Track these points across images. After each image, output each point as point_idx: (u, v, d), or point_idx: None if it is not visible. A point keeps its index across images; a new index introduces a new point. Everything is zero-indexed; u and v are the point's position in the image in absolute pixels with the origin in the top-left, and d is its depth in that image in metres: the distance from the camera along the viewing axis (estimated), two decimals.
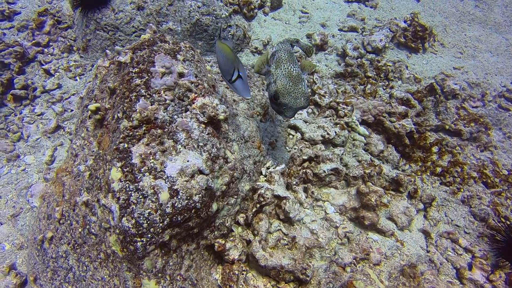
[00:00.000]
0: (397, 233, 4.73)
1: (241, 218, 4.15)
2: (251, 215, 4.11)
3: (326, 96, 6.44)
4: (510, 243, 4.64)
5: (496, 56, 8.37)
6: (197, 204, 3.34)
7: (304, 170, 4.78)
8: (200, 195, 3.37)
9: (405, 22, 8.42)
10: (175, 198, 3.22)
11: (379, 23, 8.64)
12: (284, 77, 3.72)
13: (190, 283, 3.51)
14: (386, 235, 4.66)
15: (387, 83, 7.26)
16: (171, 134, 3.50)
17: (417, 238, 4.85)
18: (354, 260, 3.97)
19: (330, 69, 7.53)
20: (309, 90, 6.45)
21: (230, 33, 7.82)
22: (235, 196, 4.06)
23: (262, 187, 4.22)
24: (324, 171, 4.87)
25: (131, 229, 3.06)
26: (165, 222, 3.16)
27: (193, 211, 3.35)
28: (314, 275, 3.93)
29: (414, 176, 5.53)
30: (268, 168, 4.66)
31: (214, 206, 3.68)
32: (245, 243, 4.00)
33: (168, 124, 3.51)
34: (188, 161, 3.40)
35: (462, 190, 5.51)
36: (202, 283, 3.72)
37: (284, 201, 4.10)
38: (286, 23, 8.76)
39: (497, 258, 4.69)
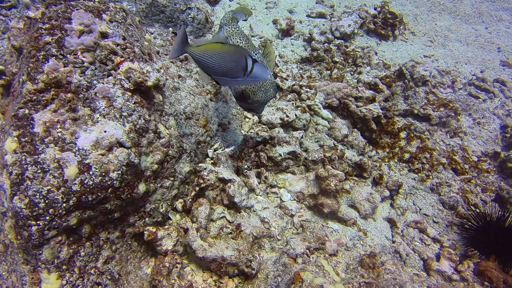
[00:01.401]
0: (360, 222, 4.29)
1: (179, 204, 3.61)
2: (190, 200, 3.57)
3: (289, 79, 5.99)
4: (479, 231, 4.27)
5: (466, 45, 8.15)
6: (114, 182, 2.79)
7: (257, 153, 4.28)
8: (119, 172, 2.82)
9: (375, 9, 8.11)
10: (85, 174, 2.67)
11: (349, 9, 8.30)
12: None
13: (109, 277, 2.94)
14: (347, 224, 4.21)
15: (355, 68, 6.89)
16: (87, 101, 2.95)
17: (382, 227, 4.41)
18: (307, 250, 3.49)
19: (295, 55, 7.11)
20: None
21: (190, 16, 7.29)
22: (171, 178, 3.53)
23: (205, 168, 3.70)
24: (280, 155, 4.39)
25: (23, 210, 2.47)
26: (71, 202, 2.59)
27: (109, 191, 2.79)
28: (261, 268, 3.42)
29: (380, 161, 5.13)
30: (215, 150, 4.15)
31: (142, 187, 3.13)
32: (182, 232, 3.46)
33: (84, 90, 2.96)
34: (105, 132, 2.85)
35: (431, 177, 5.13)
36: (129, 278, 3.15)
37: (229, 184, 3.59)
38: (252, 8, 8.31)
39: (466, 247, 4.31)
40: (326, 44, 7.11)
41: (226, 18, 3.90)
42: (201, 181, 3.58)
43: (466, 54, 7.81)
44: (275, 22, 7.85)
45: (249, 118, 5.15)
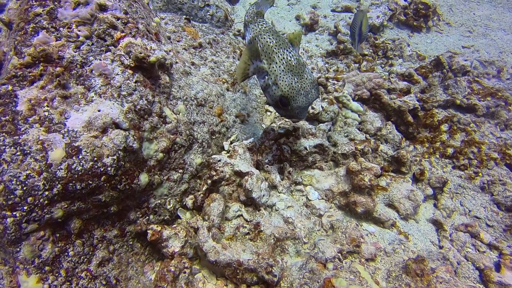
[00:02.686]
0: (400, 223, 3.67)
1: (189, 200, 3.15)
2: (201, 196, 3.11)
3: (314, 72, 5.49)
4: None
5: (511, 34, 7.39)
6: (108, 169, 2.37)
7: (279, 147, 3.79)
8: (115, 158, 2.41)
9: (405, 0, 7.53)
10: (74, 158, 2.26)
11: (377, 1, 7.76)
12: (285, 73, 2.74)
13: (104, 282, 2.49)
14: (385, 226, 3.61)
15: (385, 61, 6.31)
16: (81, 78, 2.58)
17: (426, 230, 3.77)
18: (339, 254, 2.93)
19: (320, 49, 6.62)
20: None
21: (208, 13, 6.97)
22: (180, 171, 3.08)
23: (219, 160, 3.24)
24: (306, 148, 3.88)
25: None
26: (55, 190, 2.18)
27: (103, 179, 2.37)
28: (284, 275, 2.88)
29: (419, 156, 4.50)
30: (232, 143, 3.68)
31: (143, 178, 2.70)
32: (192, 232, 2.99)
33: (78, 66, 2.59)
34: (99, 111, 2.46)
35: (480, 174, 4.44)
36: (129, 284, 2.70)
37: (246, 177, 3.10)
38: (274, 5, 7.93)
39: None
40: None
41: (250, 14, 3.44)
42: (214, 173, 3.11)
43: None
44: (298, 18, 7.42)
45: (271, 112, 4.68)
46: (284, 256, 3.08)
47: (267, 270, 2.79)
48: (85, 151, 2.31)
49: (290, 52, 2.83)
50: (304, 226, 3.29)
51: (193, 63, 3.98)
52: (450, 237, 3.78)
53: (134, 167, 2.63)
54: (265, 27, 3.13)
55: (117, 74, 2.69)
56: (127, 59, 2.74)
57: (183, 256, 2.83)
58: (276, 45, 2.84)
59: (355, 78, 5.07)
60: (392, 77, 5.43)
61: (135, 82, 2.74)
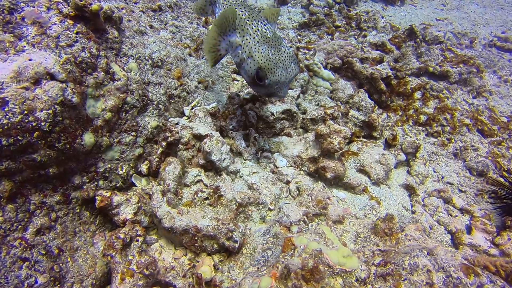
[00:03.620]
0: (371, 188, 3.54)
1: (144, 165, 2.91)
2: (157, 160, 2.88)
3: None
4: None
5: (484, 7, 7.36)
6: (42, 123, 2.11)
7: (244, 112, 3.58)
8: (50, 112, 2.14)
9: None
10: None
11: None
12: (260, 44, 2.50)
13: (43, 252, 2.24)
14: (356, 191, 3.46)
15: (359, 32, 6.15)
16: (10, 26, 2.29)
17: (398, 195, 3.66)
18: (305, 217, 2.76)
19: (293, 22, 6.40)
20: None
21: None
22: (133, 133, 2.84)
23: (177, 123, 3.00)
24: (273, 114, 3.68)
25: None
26: None
27: (35, 135, 2.11)
28: (247, 241, 2.70)
29: (392, 122, 4.38)
30: (192, 108, 3.45)
31: (88, 138, 2.45)
32: (147, 199, 2.76)
33: (6, 11, 2.29)
34: (30, 60, 2.18)
35: (453, 140, 4.35)
36: (75, 255, 2.45)
37: (205, 139, 2.88)
38: None
39: (503, 217, 3.53)
40: (326, 8, 6.39)
41: None
42: (169, 134, 2.88)
43: (484, 16, 7.02)
44: None
45: (238, 81, 4.45)
46: (247, 223, 2.90)
47: (227, 236, 2.60)
48: (12, 103, 2.04)
49: (265, 25, 2.60)
50: (270, 192, 3.10)
51: (151, 26, 3.71)
52: (422, 202, 3.68)
53: (76, 125, 2.37)
54: (236, 1, 2.87)
55: (54, 23, 2.40)
56: (65, 7, 2.46)
57: (136, 224, 2.61)
58: (249, 17, 2.60)
59: (326, 46, 4.89)
60: (365, 46, 5.28)
61: (76, 33, 2.47)
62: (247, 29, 2.55)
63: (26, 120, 2.06)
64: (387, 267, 1.92)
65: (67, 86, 2.26)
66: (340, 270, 1.88)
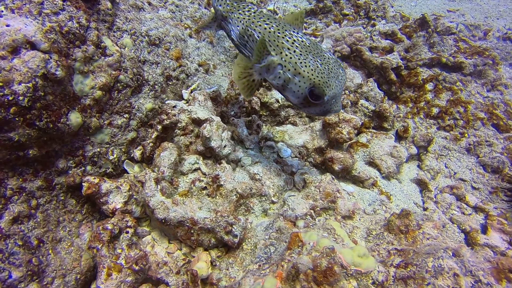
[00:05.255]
0: (381, 182, 3.30)
1: (137, 151, 2.67)
2: (151, 145, 2.63)
3: None
4: None
5: None
6: (20, 98, 1.86)
7: None
8: (30, 85, 1.90)
9: None
10: None
11: None
12: (304, 56, 2.06)
13: (20, 243, 2.01)
14: (365, 185, 3.23)
15: (367, 21, 5.88)
16: None
17: (409, 190, 3.43)
18: (312, 211, 2.52)
19: (299, 9, 6.13)
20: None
21: None
22: (126, 115, 2.59)
23: (174, 106, 2.75)
24: (277, 101, 3.44)
25: None
26: None
27: (12, 111, 1.86)
28: (248, 235, 2.47)
29: (402, 114, 4.14)
30: (192, 92, 3.20)
31: (74, 118, 2.20)
32: (139, 187, 2.52)
33: None
34: (7, 26, 1.93)
35: (466, 135, 4.11)
36: (58, 246, 2.22)
37: (205, 124, 2.63)
38: None
39: None
40: None
41: (225, 1, 2.52)
42: (164, 117, 2.63)
43: (498, 8, 6.75)
44: None
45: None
46: (249, 216, 2.66)
47: (226, 230, 2.36)
48: None
49: (298, 33, 2.19)
50: (274, 183, 2.86)
51: (149, 3, 3.44)
52: (435, 198, 3.45)
53: (61, 102, 2.13)
54: (254, 12, 2.37)
55: None
56: None
57: (126, 214, 2.37)
58: (278, 29, 2.18)
59: (335, 32, 4.63)
60: (374, 35, 5.02)
61: (64, 0, 2.21)
62: (282, 43, 2.12)
63: (1, 93, 1.82)
64: (408, 269, 1.68)
65: (51, 57, 2.01)
66: (355, 271, 1.65)
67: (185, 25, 3.66)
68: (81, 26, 2.26)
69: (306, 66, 2.04)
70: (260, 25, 2.23)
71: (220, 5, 2.47)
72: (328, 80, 2.04)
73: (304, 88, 2.07)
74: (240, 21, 2.36)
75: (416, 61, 4.76)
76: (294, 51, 2.08)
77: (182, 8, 3.80)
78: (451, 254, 1.78)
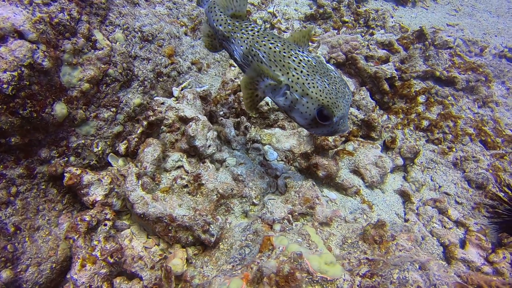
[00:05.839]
0: (364, 191, 3.34)
1: (122, 145, 2.70)
2: (136, 140, 2.66)
3: (288, 32, 5.05)
4: None
5: (497, 17, 7.13)
6: (4, 86, 1.88)
7: (237, 98, 3.36)
8: (15, 74, 1.92)
9: None
10: None
11: None
12: (312, 76, 2.02)
13: None
14: (348, 193, 3.26)
15: (366, 30, 5.92)
16: None
17: (392, 201, 3.46)
18: (290, 215, 2.55)
19: (299, 13, 6.16)
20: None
21: None
22: (113, 109, 2.62)
23: (162, 103, 2.78)
24: (267, 104, 3.46)
25: None
26: None
27: None
28: (225, 235, 2.49)
29: (392, 123, 4.18)
30: (182, 89, 3.22)
31: (59, 109, 2.23)
32: (121, 181, 2.55)
33: None
34: None
35: (454, 149, 4.15)
36: (35, 235, 2.24)
37: (190, 123, 2.66)
38: None
39: (499, 234, 3.35)
40: (335, 2, 6.14)
41: (224, 21, 2.41)
42: (151, 114, 2.66)
43: (497, 25, 6.80)
44: None
45: (235, 67, 4.22)
46: (228, 217, 2.69)
47: (204, 228, 2.39)
48: None
49: (303, 52, 2.15)
50: (256, 186, 2.89)
51: None
52: (417, 211, 3.49)
53: (47, 92, 2.15)
54: (258, 31, 2.30)
55: None
56: None
57: (106, 207, 2.39)
58: (284, 49, 2.13)
59: (331, 39, 4.66)
60: (371, 44, 5.05)
61: None
62: (288, 62, 2.08)
63: None
64: (373, 279, 1.72)
65: (38, 47, 2.03)
66: (321, 278, 1.68)
67: (181, 23, 3.68)
68: (72, 18, 2.29)
69: (314, 87, 2.01)
70: (265, 45, 2.18)
71: (220, 25, 2.40)
72: (337, 101, 2.01)
73: (312, 109, 2.04)
74: (244, 41, 2.30)
75: (410, 73, 4.80)
76: (301, 72, 2.04)
77: (179, 5, 3.83)
78: (417, 267, 1.81)
